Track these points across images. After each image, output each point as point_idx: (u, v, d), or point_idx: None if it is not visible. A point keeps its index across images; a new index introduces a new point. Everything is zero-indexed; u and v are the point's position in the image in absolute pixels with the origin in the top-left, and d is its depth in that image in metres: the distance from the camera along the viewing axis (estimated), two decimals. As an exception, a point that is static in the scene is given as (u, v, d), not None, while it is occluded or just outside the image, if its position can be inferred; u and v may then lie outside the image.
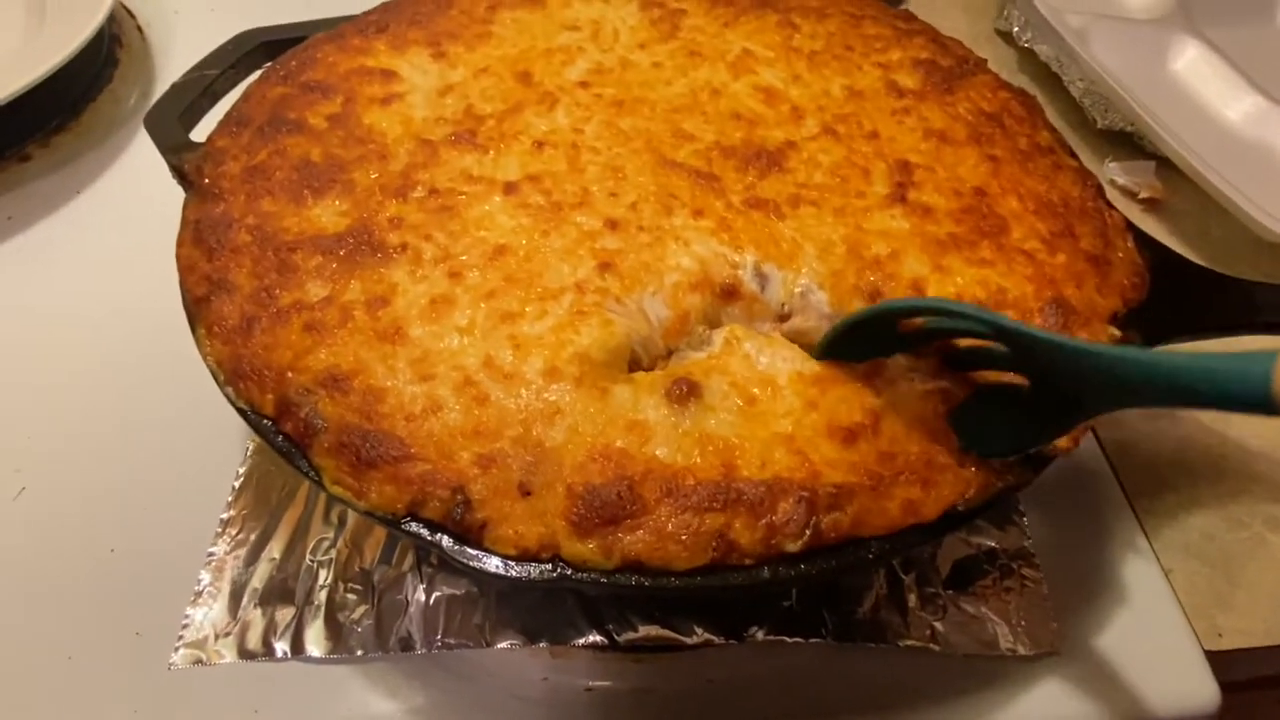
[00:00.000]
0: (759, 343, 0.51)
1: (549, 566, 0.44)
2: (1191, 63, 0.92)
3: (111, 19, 0.96)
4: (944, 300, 0.53)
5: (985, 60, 0.73)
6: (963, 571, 0.60)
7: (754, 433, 0.47)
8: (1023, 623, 0.58)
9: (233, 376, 0.49)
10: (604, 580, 0.44)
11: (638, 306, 0.53)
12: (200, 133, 0.63)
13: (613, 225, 0.57)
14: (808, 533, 0.44)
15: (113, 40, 0.95)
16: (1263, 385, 0.34)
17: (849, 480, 0.46)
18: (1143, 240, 0.61)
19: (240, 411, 0.49)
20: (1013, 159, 0.64)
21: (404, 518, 0.45)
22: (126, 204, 0.82)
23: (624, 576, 0.44)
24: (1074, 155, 0.66)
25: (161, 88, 0.67)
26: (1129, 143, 0.90)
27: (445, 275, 0.53)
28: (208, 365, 0.50)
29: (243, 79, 0.69)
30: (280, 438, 0.48)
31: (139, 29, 0.99)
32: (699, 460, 0.46)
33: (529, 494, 0.45)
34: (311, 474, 0.47)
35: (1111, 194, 0.65)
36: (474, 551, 0.44)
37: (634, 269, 0.54)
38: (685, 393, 0.48)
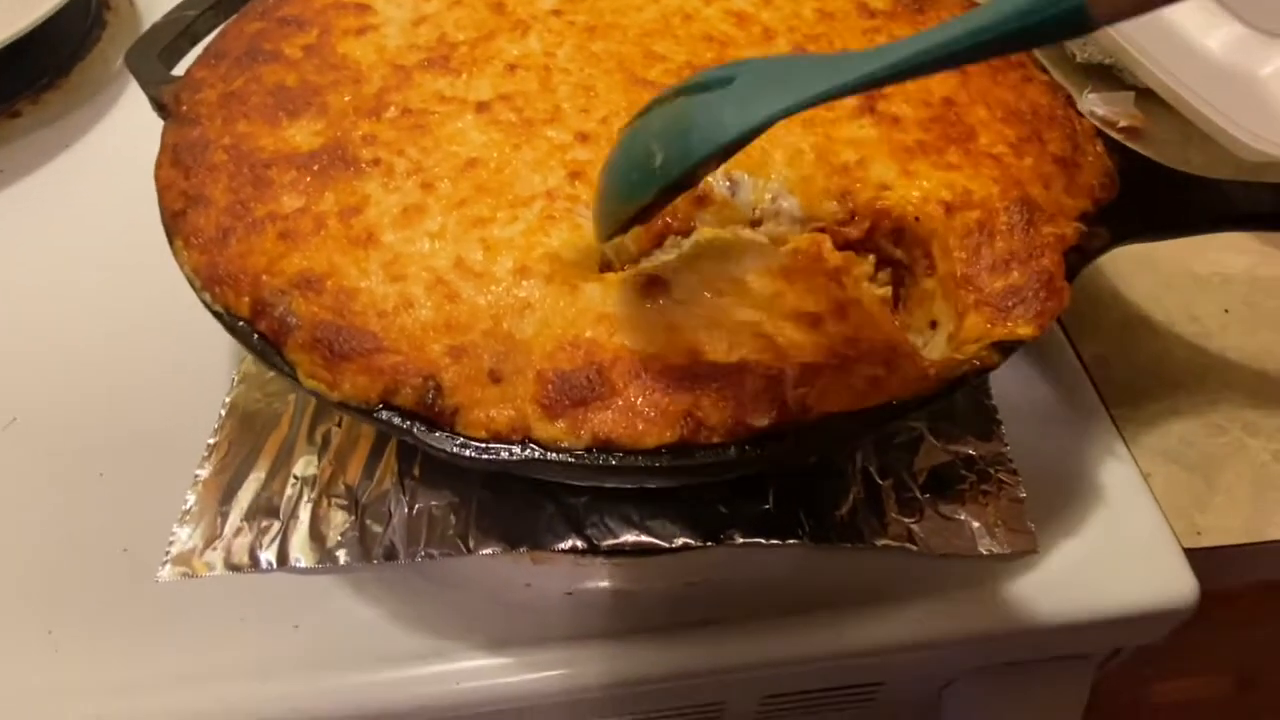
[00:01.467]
0: (726, 239, 0.52)
1: (520, 447, 0.45)
2: (1170, -6, 0.92)
3: (99, -18, 0.98)
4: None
5: (957, -17, 0.73)
6: (940, 478, 0.60)
7: (721, 322, 0.48)
8: (1000, 524, 0.58)
9: (209, 282, 0.50)
10: (573, 460, 0.44)
11: (608, 212, 0.54)
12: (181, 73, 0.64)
13: (583, 138, 0.57)
14: (775, 409, 0.44)
15: (101, 3, 0.97)
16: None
17: (815, 359, 0.46)
18: (1113, 145, 0.62)
19: (216, 315, 0.50)
20: (982, 72, 0.64)
21: (377, 407, 0.46)
22: (114, 157, 0.83)
23: (594, 455, 0.44)
24: (1044, 70, 0.66)
25: (148, 48, 0.68)
26: (1109, 75, 0.91)
27: (417, 186, 0.54)
28: (184, 274, 0.51)
29: (222, 21, 0.70)
30: (256, 337, 0.49)
31: (126, -7, 1.00)
32: (667, 348, 0.47)
33: (499, 381, 0.46)
34: (286, 369, 0.48)
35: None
36: (445, 435, 0.45)
37: (604, 177, 0.55)
38: (654, 289, 0.49)
